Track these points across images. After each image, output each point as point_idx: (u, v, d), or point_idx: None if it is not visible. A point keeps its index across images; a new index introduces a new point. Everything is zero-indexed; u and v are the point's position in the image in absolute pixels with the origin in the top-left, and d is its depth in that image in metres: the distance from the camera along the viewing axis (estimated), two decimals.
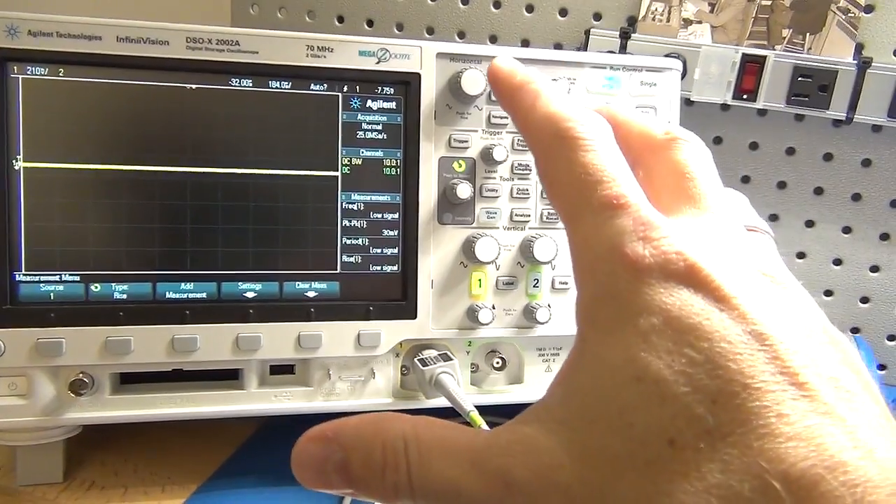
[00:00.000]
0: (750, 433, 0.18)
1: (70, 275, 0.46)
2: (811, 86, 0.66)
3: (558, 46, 0.73)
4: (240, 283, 0.49)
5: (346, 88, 0.50)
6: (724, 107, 0.70)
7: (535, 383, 0.55)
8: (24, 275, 0.46)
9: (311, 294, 0.50)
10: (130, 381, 0.49)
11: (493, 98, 0.50)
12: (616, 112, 0.28)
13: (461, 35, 0.76)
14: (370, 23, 0.79)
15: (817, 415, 0.18)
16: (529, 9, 0.74)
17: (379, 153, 0.50)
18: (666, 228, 0.22)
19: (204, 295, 0.48)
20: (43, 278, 0.46)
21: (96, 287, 0.47)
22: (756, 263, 0.22)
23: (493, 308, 0.52)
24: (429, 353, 0.52)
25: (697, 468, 0.18)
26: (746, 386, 0.18)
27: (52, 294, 0.46)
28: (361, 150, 0.50)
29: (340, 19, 0.80)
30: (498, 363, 0.54)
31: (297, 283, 0.50)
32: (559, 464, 0.20)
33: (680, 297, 0.20)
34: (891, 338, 0.73)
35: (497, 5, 0.75)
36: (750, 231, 0.25)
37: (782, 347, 0.19)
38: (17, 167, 0.45)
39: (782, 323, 0.20)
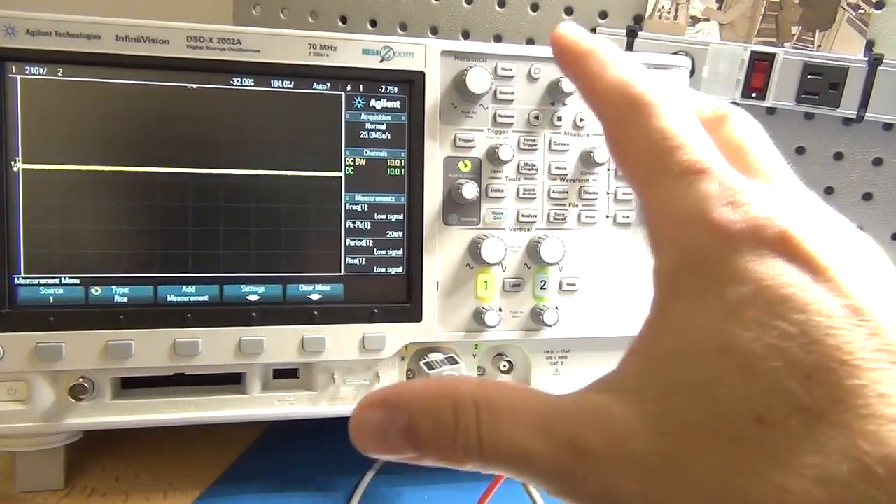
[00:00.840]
0: (848, 412, 0.17)
1: (70, 278, 0.46)
2: (821, 83, 0.65)
3: None
4: (242, 286, 0.48)
5: (349, 87, 0.49)
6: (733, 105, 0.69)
7: (542, 386, 0.54)
8: (24, 278, 0.45)
9: (314, 297, 0.49)
10: (131, 385, 0.48)
11: (499, 97, 0.50)
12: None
13: (465, 34, 0.76)
14: (373, 23, 0.78)
15: None
16: (534, 7, 0.73)
17: (383, 153, 0.50)
18: (753, 193, 0.21)
19: (206, 298, 0.47)
20: (42, 281, 0.45)
21: (96, 290, 0.46)
22: (847, 235, 0.21)
23: (500, 310, 0.51)
24: (435, 357, 0.51)
25: (789, 447, 0.17)
26: (845, 362, 0.18)
27: (51, 297, 0.45)
28: (365, 150, 0.49)
29: (343, 19, 0.80)
30: (505, 366, 0.53)
31: (300, 285, 0.49)
32: (633, 434, 0.19)
33: (772, 265, 0.19)
34: None
35: (502, 4, 0.74)
36: None
37: (882, 323, 0.18)
38: (15, 168, 0.44)
39: (879, 298, 0.19)
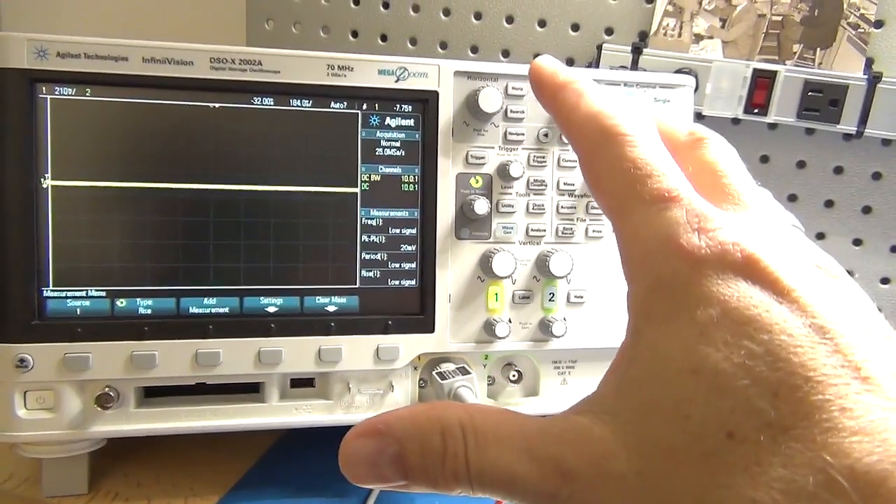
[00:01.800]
0: (813, 427, 0.18)
1: (96, 290, 0.47)
2: (822, 100, 0.67)
3: (570, 61, 0.74)
4: (261, 298, 0.50)
5: (365, 106, 0.50)
6: (735, 121, 0.71)
7: (550, 396, 0.55)
8: (52, 290, 0.47)
9: (331, 308, 0.51)
10: (154, 394, 0.50)
11: (510, 116, 0.52)
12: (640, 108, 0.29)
13: (474, 50, 0.77)
14: (384, 37, 0.80)
15: (882, 409, 0.18)
16: (542, 24, 0.75)
17: (397, 169, 0.51)
18: (720, 220, 0.22)
19: (227, 310, 0.49)
20: (70, 294, 0.47)
21: (121, 302, 0.48)
22: (809, 256, 0.22)
23: (510, 322, 0.53)
24: (447, 367, 0.52)
25: (758, 461, 0.18)
26: (809, 379, 0.18)
27: (78, 309, 0.47)
28: (380, 166, 0.51)
29: (354, 34, 0.81)
30: (514, 376, 0.55)
31: (317, 297, 0.50)
32: (613, 454, 0.20)
33: (738, 288, 0.20)
34: None
35: (510, 20, 0.76)
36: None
37: (844, 341, 0.19)
38: (45, 185, 0.46)
39: (842, 316, 0.20)
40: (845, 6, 0.66)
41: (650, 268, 0.22)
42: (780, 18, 0.68)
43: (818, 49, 0.68)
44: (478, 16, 0.76)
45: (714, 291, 0.20)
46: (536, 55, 0.75)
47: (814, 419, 0.18)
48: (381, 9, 0.79)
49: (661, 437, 0.20)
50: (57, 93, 0.46)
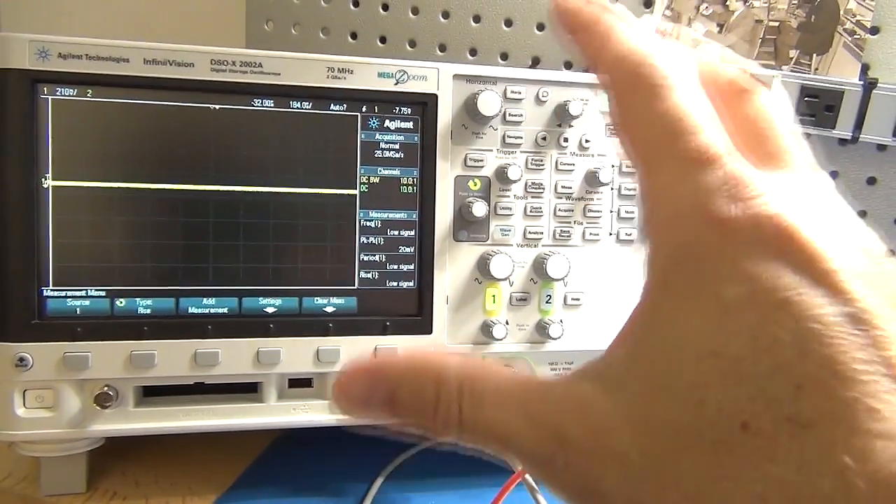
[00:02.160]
0: (836, 426, 0.16)
1: (96, 290, 0.47)
2: (818, 105, 0.68)
3: (568, 65, 0.75)
4: (260, 299, 0.50)
5: (364, 109, 0.51)
6: None
7: None
8: (52, 290, 0.47)
9: (329, 309, 0.51)
10: (153, 393, 0.50)
11: (508, 119, 0.52)
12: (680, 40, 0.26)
13: (473, 52, 0.78)
14: (383, 39, 0.81)
15: None
16: (540, 27, 0.75)
17: (396, 172, 0.52)
18: (760, 186, 0.19)
19: (225, 310, 0.49)
20: (70, 293, 0.47)
21: (121, 302, 0.48)
22: (855, 234, 0.20)
23: (507, 323, 0.53)
24: None
25: (771, 457, 0.17)
26: (836, 373, 0.17)
27: (78, 309, 0.47)
28: (379, 168, 0.51)
29: (354, 35, 0.82)
30: None
31: (315, 298, 0.51)
32: (616, 428, 0.19)
33: (771, 266, 0.18)
34: None
35: (508, 23, 0.76)
36: None
37: (879, 333, 0.17)
38: (46, 185, 0.46)
39: (881, 306, 0.18)
40: (842, 12, 0.67)
41: (675, 233, 0.20)
42: (777, 24, 0.68)
43: (814, 55, 0.68)
44: (476, 19, 0.77)
45: (744, 268, 0.19)
46: (535, 58, 0.76)
47: (838, 418, 0.17)
48: (381, 11, 0.80)
49: (670, 419, 0.19)
50: (58, 93, 0.46)
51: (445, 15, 0.78)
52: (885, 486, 0.16)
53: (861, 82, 0.67)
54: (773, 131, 0.23)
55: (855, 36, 0.67)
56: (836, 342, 0.17)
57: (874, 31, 0.67)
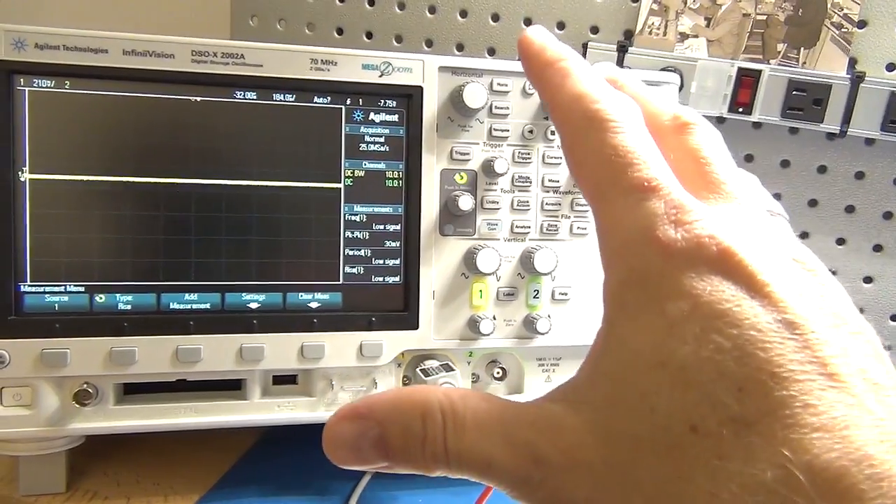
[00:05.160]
0: (775, 422, 0.18)
1: (75, 286, 0.47)
2: (805, 99, 0.67)
3: None
4: (243, 294, 0.49)
5: (349, 101, 0.50)
6: (720, 120, 0.71)
7: (535, 393, 0.55)
8: (29, 285, 0.46)
9: (314, 305, 0.50)
10: (134, 391, 0.49)
11: (495, 112, 0.51)
12: (626, 86, 0.28)
13: (460, 47, 0.77)
14: (369, 35, 0.80)
15: (845, 406, 0.18)
16: (527, 22, 0.75)
17: (381, 165, 0.51)
18: (698, 212, 0.21)
19: (208, 306, 0.48)
20: (48, 289, 0.46)
21: (101, 298, 0.47)
22: (787, 249, 0.22)
23: (494, 319, 0.52)
24: (431, 364, 0.52)
25: (719, 455, 0.18)
26: (774, 374, 0.18)
27: (56, 305, 0.46)
28: (364, 162, 0.51)
29: (339, 31, 0.81)
30: (498, 373, 0.55)
31: (300, 293, 0.50)
32: (583, 443, 0.21)
33: (711, 282, 0.20)
34: (886, 348, 0.74)
35: (495, 18, 0.76)
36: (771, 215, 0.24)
37: (813, 336, 0.19)
38: (22, 178, 0.45)
39: (814, 311, 0.20)
40: (829, 6, 0.67)
41: (625, 259, 0.22)
42: (764, 18, 0.68)
43: (802, 48, 0.68)
44: (463, 13, 0.76)
45: (686, 285, 0.20)
46: None
47: (776, 415, 0.18)
48: (367, 6, 0.79)
49: (627, 428, 0.20)
50: (35, 85, 0.45)
51: (432, 10, 0.77)
52: (821, 475, 0.17)
53: (849, 76, 0.67)
54: (710, 164, 0.24)
55: (842, 29, 0.67)
56: (772, 346, 0.19)
57: (861, 24, 0.67)
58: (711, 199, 0.23)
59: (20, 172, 0.45)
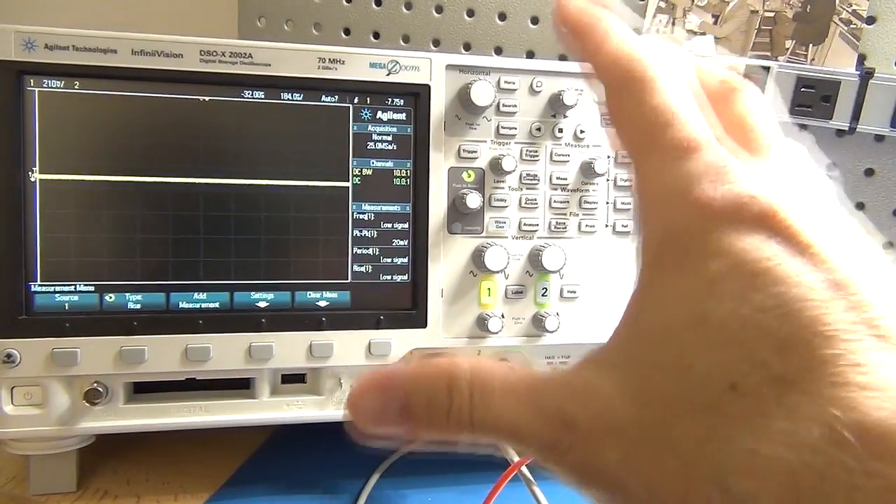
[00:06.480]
0: (820, 380, 0.17)
1: (85, 285, 0.47)
2: (814, 96, 0.67)
3: (563, 57, 0.74)
4: (252, 293, 0.49)
5: (356, 100, 0.50)
6: None
7: None
8: (40, 285, 0.46)
9: (322, 303, 0.50)
10: (144, 390, 0.49)
11: (502, 109, 0.51)
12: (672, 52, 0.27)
13: (467, 47, 0.77)
14: (376, 35, 0.80)
15: (895, 366, 0.17)
16: (534, 21, 0.75)
17: (389, 164, 0.51)
18: (739, 171, 0.21)
19: (217, 304, 0.49)
20: (58, 289, 0.46)
21: (110, 297, 0.47)
22: (833, 210, 0.21)
23: (503, 317, 0.52)
24: None
25: (761, 414, 0.18)
26: (819, 333, 0.18)
27: (66, 304, 0.47)
28: (372, 160, 0.51)
29: (347, 31, 0.81)
30: None
31: (308, 292, 0.50)
32: (614, 406, 0.20)
33: (752, 241, 0.20)
34: None
35: (502, 17, 0.76)
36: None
37: (861, 297, 0.18)
38: (33, 179, 0.45)
39: (861, 272, 0.19)
40: (837, 2, 0.66)
41: (664, 217, 0.22)
42: (772, 14, 0.68)
43: (810, 45, 0.68)
44: (470, 13, 0.76)
45: (726, 243, 0.20)
46: (530, 52, 0.75)
47: (822, 373, 0.17)
48: (374, 6, 0.79)
49: (662, 389, 0.20)
50: (45, 85, 0.46)
51: (439, 9, 0.77)
52: (870, 432, 0.16)
53: (858, 72, 0.66)
54: (757, 128, 0.24)
55: (851, 25, 0.66)
56: (819, 305, 0.18)
57: (870, 20, 0.67)
58: (753, 160, 0.23)
59: (30, 173, 0.45)
